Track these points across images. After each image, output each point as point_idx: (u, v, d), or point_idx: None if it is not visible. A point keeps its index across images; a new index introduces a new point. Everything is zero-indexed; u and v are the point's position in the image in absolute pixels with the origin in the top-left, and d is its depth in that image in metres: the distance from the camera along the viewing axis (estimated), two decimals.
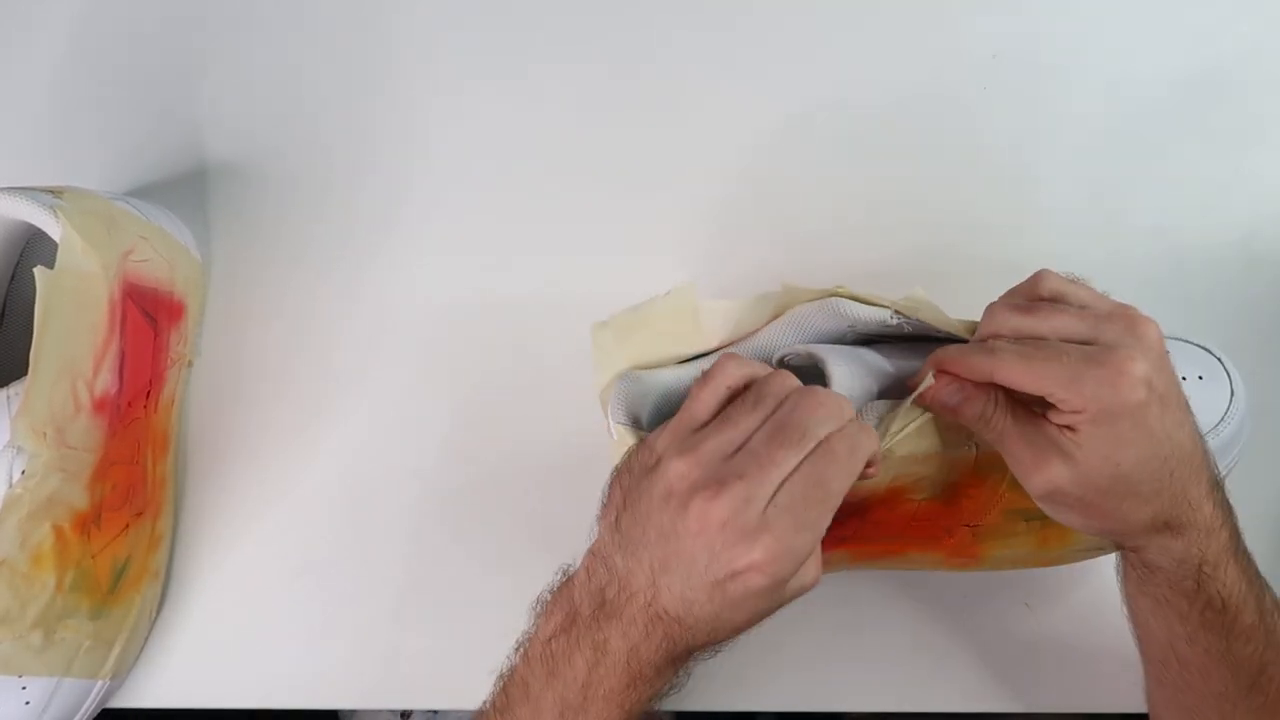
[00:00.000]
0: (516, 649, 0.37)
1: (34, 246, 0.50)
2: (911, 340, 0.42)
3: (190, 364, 0.53)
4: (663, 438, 0.35)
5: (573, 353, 0.48)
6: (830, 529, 0.34)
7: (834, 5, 0.56)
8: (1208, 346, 0.45)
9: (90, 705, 0.48)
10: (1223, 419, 0.43)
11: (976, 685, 0.48)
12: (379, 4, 0.57)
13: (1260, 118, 0.54)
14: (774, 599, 0.34)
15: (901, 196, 0.54)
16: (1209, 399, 0.43)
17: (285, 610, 0.51)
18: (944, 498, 0.41)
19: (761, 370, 0.36)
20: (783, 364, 0.42)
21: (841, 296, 0.41)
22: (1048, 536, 0.42)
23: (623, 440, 0.39)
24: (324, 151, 0.55)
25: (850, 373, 0.39)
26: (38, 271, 0.41)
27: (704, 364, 0.42)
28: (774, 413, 0.35)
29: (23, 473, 0.42)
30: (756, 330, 0.43)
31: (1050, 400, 0.35)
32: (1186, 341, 0.45)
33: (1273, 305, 0.52)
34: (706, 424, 0.35)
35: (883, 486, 0.40)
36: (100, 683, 0.48)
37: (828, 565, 0.39)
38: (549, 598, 0.37)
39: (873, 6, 0.56)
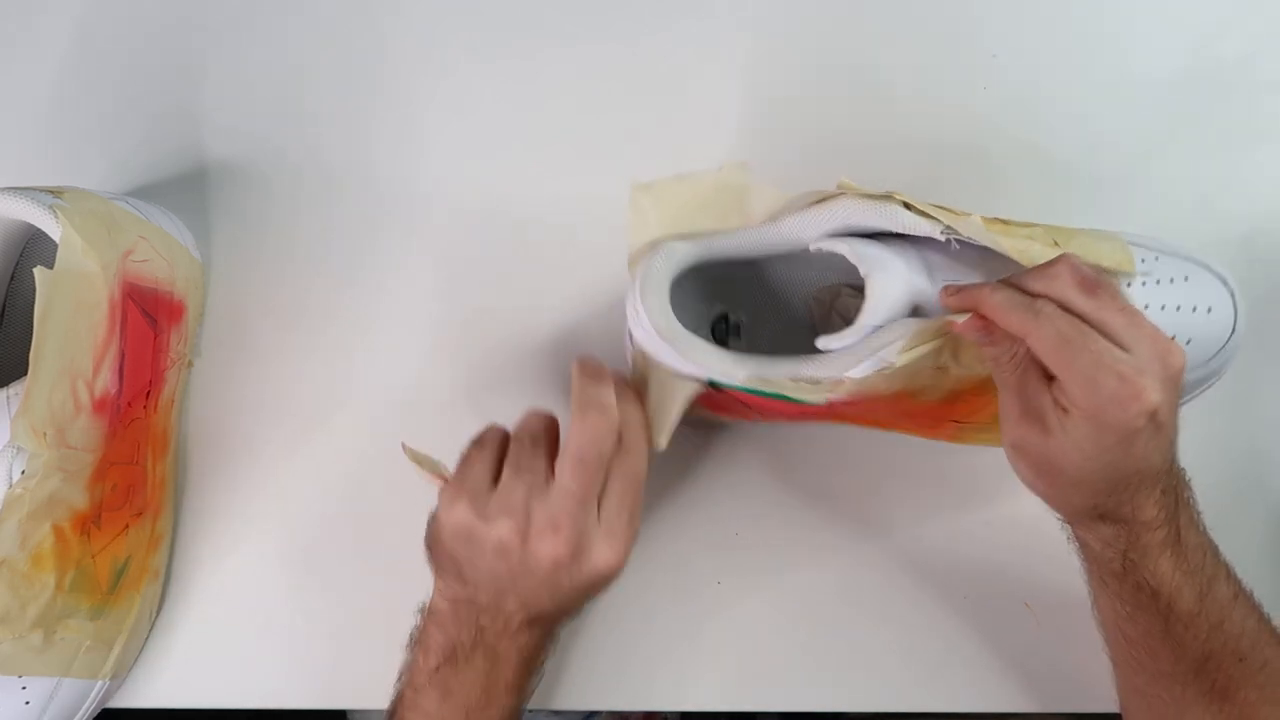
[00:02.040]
0: (400, 679, 0.43)
1: (34, 246, 0.50)
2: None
3: (190, 364, 0.53)
4: (460, 508, 0.40)
5: (574, 349, 0.48)
6: (822, 412, 0.40)
7: (833, 4, 0.56)
8: (1225, 277, 0.45)
9: (90, 705, 0.48)
10: (1216, 355, 0.44)
11: (976, 685, 0.48)
12: (379, 4, 0.57)
13: (1260, 118, 0.54)
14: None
15: None
16: (1210, 334, 0.44)
17: (285, 610, 0.51)
18: (943, 400, 0.42)
19: (516, 426, 0.42)
20: (816, 253, 0.41)
21: (896, 202, 0.40)
22: None
23: (647, 325, 0.39)
24: (324, 151, 0.55)
25: (889, 285, 0.38)
26: (38, 271, 0.41)
27: (741, 235, 0.41)
28: (557, 446, 0.41)
29: (23, 473, 0.42)
30: (799, 212, 0.41)
31: (1062, 382, 0.36)
32: (1208, 269, 0.45)
33: (1273, 305, 0.52)
34: (497, 480, 0.40)
35: (890, 392, 0.40)
36: (100, 683, 0.48)
37: (809, 420, 0.42)
38: (420, 634, 0.42)
39: (873, 7, 0.56)
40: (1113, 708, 0.48)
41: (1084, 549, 0.40)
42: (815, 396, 0.39)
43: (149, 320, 0.48)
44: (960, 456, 0.49)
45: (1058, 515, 0.40)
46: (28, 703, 0.45)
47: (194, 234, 0.54)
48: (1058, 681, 0.48)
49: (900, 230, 0.40)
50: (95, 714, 0.49)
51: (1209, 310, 0.44)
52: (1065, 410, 0.36)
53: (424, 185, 0.55)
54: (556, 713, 0.53)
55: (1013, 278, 0.38)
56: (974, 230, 0.39)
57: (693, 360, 0.40)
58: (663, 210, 0.40)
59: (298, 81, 0.56)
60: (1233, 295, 0.45)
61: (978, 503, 0.50)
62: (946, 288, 0.39)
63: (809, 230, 0.41)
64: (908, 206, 0.40)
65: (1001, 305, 0.37)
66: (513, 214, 0.54)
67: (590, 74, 0.56)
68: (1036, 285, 0.37)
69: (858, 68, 0.55)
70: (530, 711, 0.48)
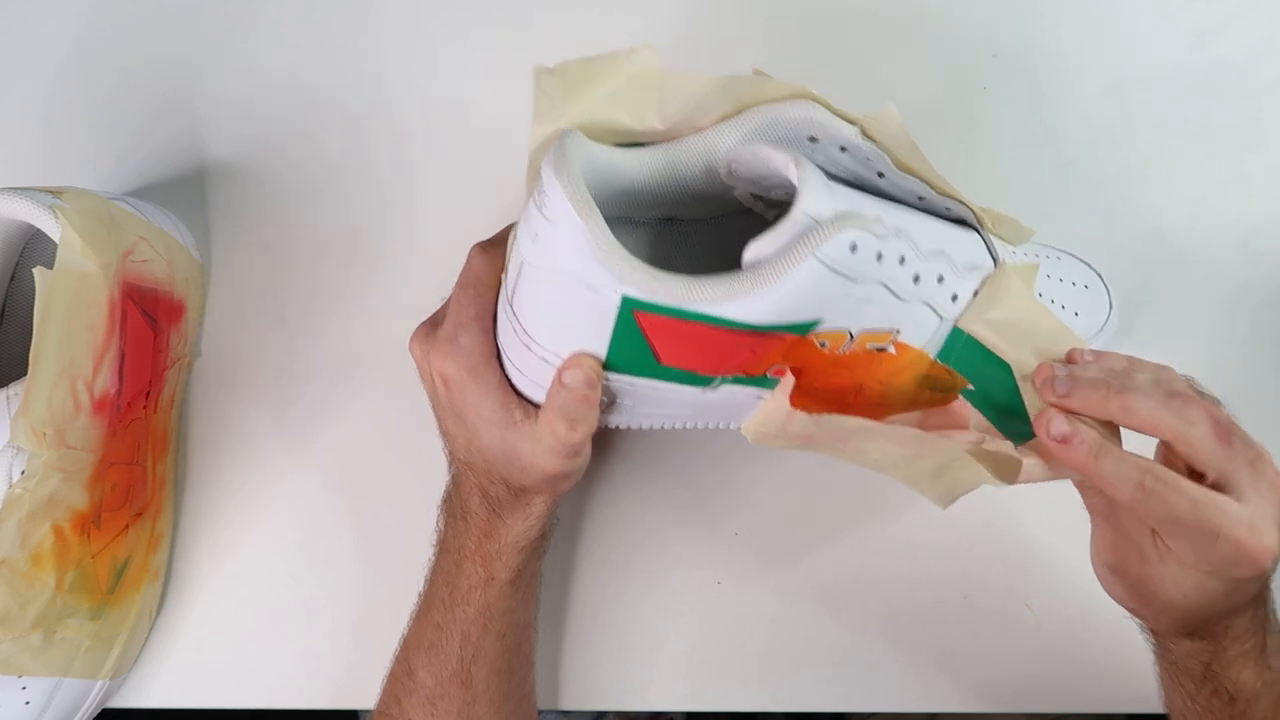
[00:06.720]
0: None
1: (34, 246, 0.50)
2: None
3: (190, 364, 0.53)
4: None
5: None
6: (748, 345, 0.36)
7: (833, 5, 0.56)
8: (1090, 263, 0.49)
9: (90, 705, 0.48)
10: (1101, 329, 0.48)
11: (976, 685, 0.49)
12: (379, 3, 0.57)
13: (1260, 118, 0.54)
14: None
15: None
16: (1093, 304, 0.48)
17: (286, 610, 0.51)
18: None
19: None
20: (730, 172, 0.39)
21: (813, 99, 0.37)
22: None
23: (557, 197, 0.34)
24: (324, 151, 0.55)
25: (825, 183, 0.34)
26: (38, 271, 0.41)
27: (657, 154, 0.38)
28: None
29: (22, 473, 0.42)
30: (707, 127, 0.38)
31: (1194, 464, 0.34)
32: (1073, 256, 0.49)
33: (1273, 305, 0.52)
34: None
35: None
36: (100, 683, 0.48)
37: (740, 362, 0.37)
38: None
39: (872, 7, 0.56)
40: (1113, 708, 0.48)
41: (1163, 652, 0.40)
42: (742, 312, 0.34)
43: (149, 320, 0.48)
44: None
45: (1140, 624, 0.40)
46: (28, 703, 0.45)
47: (194, 234, 0.54)
48: (1058, 681, 0.48)
49: (814, 133, 0.38)
50: (95, 714, 0.49)
51: (1085, 286, 0.48)
52: (1169, 548, 0.35)
53: (424, 185, 0.55)
54: (564, 713, 0.53)
55: (1134, 401, 0.34)
56: (889, 120, 0.38)
57: (613, 270, 0.33)
58: (571, 97, 0.36)
59: (297, 82, 0.56)
60: (1101, 277, 0.48)
61: (978, 503, 0.50)
62: (1053, 424, 0.35)
63: (717, 147, 0.38)
64: (823, 105, 0.38)
65: (1111, 479, 0.34)
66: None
67: None
68: (1169, 424, 0.34)
69: (857, 68, 0.56)
70: (539, 712, 0.48)
